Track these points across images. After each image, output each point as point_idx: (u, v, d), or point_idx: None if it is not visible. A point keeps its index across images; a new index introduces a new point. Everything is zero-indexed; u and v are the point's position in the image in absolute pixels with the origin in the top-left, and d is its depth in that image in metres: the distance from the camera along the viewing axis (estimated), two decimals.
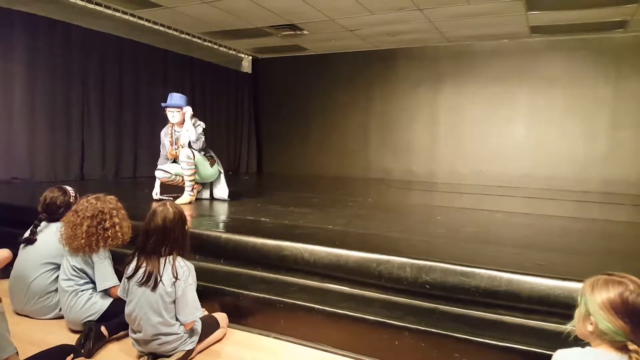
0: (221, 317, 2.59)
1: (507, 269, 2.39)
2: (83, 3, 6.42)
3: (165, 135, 4.82)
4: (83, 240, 2.53)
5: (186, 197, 4.59)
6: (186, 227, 2.39)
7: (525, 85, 8.07)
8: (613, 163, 7.52)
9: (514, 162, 8.10)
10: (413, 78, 8.88)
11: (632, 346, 1.38)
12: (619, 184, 7.39)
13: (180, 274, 2.25)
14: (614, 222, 4.75)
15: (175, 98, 4.71)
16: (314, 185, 7.75)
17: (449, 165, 8.67)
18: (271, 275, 2.91)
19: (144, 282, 2.22)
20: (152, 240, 2.26)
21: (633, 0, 5.78)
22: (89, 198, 2.66)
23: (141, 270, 2.25)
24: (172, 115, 4.65)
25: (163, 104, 4.72)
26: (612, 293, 1.42)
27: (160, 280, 2.21)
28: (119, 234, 2.61)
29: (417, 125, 8.93)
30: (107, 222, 2.58)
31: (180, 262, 2.30)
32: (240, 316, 2.70)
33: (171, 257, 2.28)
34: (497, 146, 8.26)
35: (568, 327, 1.59)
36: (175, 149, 4.72)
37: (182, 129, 4.67)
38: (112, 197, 2.71)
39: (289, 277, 2.86)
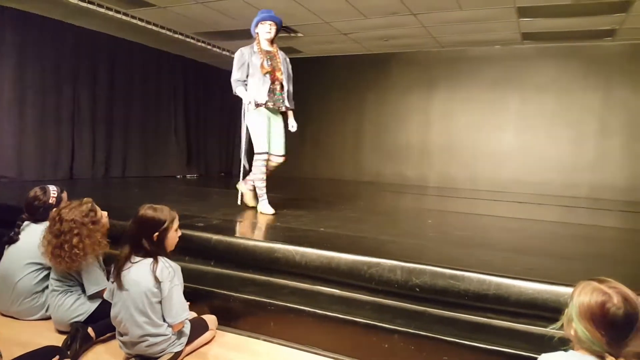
0: (210, 319, 2.57)
1: (496, 273, 2.41)
2: (75, 1, 6.37)
3: (250, 55, 4.09)
4: (53, 261, 2.49)
5: (264, 204, 4.16)
6: (164, 228, 2.31)
7: (516, 91, 8.15)
8: (601, 169, 7.61)
9: (504, 167, 8.16)
10: (406, 82, 8.92)
11: (608, 358, 1.37)
12: (607, 190, 7.48)
13: (164, 275, 2.22)
14: (602, 227, 4.80)
15: (273, 12, 4.18)
16: (306, 188, 7.75)
17: (440, 169, 8.71)
18: (262, 277, 2.90)
19: (124, 284, 2.21)
20: (131, 241, 2.27)
21: (621, 10, 5.86)
22: (58, 210, 2.57)
23: (124, 272, 2.24)
24: (269, 29, 4.10)
25: (261, 16, 4.11)
26: (593, 302, 1.40)
27: (143, 281, 2.20)
28: (85, 250, 2.48)
29: (410, 129, 8.97)
30: (73, 240, 2.45)
31: (165, 262, 2.28)
32: (230, 318, 2.69)
33: (155, 257, 2.26)
34: (488, 151, 8.32)
35: (550, 328, 1.59)
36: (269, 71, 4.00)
37: (271, 48, 4.12)
38: (83, 207, 2.57)
39: (280, 279, 2.86)
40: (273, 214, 4.10)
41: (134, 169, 7.58)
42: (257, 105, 4.05)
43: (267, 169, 4.18)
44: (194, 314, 2.53)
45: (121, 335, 2.29)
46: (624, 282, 1.47)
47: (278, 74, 4.10)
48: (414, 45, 8.31)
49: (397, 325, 2.35)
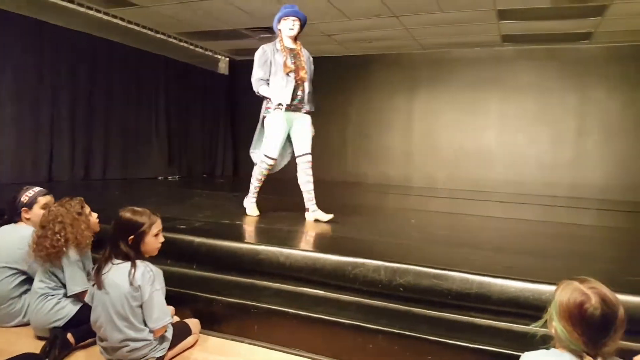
0: (193, 323, 2.54)
1: (479, 272, 2.43)
2: (55, 0, 6.27)
3: (272, 52, 3.91)
4: (37, 253, 2.48)
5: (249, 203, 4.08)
6: (140, 232, 2.27)
7: (496, 92, 8.27)
8: (579, 169, 7.77)
9: (486, 167, 8.27)
10: (389, 84, 8.98)
11: (586, 358, 1.39)
12: (585, 189, 7.64)
13: (145, 279, 2.19)
14: (580, 225, 4.89)
15: (297, 8, 3.95)
16: (291, 189, 7.70)
17: (423, 170, 8.79)
18: (245, 279, 2.87)
19: (104, 286, 2.18)
20: (110, 243, 2.26)
21: (597, 14, 6.00)
22: (49, 205, 2.65)
23: (104, 274, 2.21)
24: (292, 25, 3.87)
25: (284, 11, 3.91)
26: (572, 302, 1.42)
27: (122, 283, 2.16)
28: (67, 237, 2.50)
29: (393, 130, 9.03)
30: (56, 227, 2.49)
31: (146, 266, 2.24)
32: (213, 322, 2.66)
33: (133, 261, 2.23)
34: (470, 151, 8.42)
35: (532, 327, 1.62)
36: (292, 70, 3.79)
37: (294, 45, 3.95)
38: (72, 201, 2.62)
39: (264, 281, 2.84)
40: (257, 216, 4.05)
41: (114, 171, 7.46)
42: (279, 106, 3.83)
43: (301, 174, 3.99)
44: (176, 318, 2.50)
45: (101, 340, 2.25)
46: (602, 280, 1.50)
47: (302, 73, 3.87)
48: (397, 47, 8.37)
49: (382, 326, 2.36)
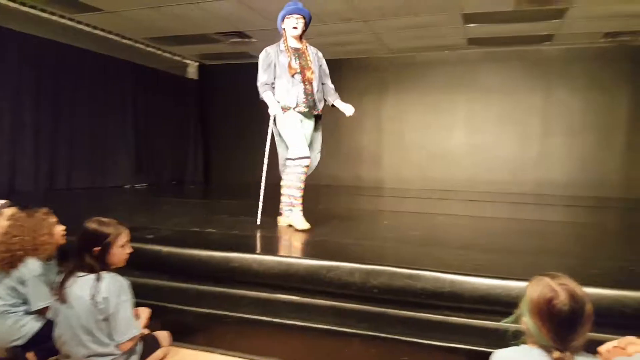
0: (163, 335, 2.46)
1: (450, 271, 2.47)
2: (16, 5, 6.05)
3: (276, 54, 3.68)
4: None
5: (297, 216, 3.67)
6: (106, 243, 2.21)
7: (463, 94, 8.43)
8: (544, 167, 7.99)
9: (455, 167, 8.42)
10: (359, 87, 9.02)
11: (555, 354, 1.41)
12: (550, 186, 7.86)
13: (111, 291, 2.12)
14: (547, 221, 5.03)
15: (301, 5, 3.70)
16: (265, 193, 7.66)
17: (394, 171, 8.87)
18: (218, 288, 2.81)
19: (68, 300, 2.11)
20: (75, 255, 2.20)
21: (558, 17, 6.20)
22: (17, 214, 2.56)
23: (67, 288, 2.13)
24: (296, 24, 3.64)
25: (286, 9, 3.68)
26: (542, 298, 1.45)
27: (87, 297, 2.10)
28: (24, 246, 2.45)
29: (364, 133, 9.09)
30: (13, 233, 2.46)
31: (112, 278, 2.18)
32: (185, 333, 2.61)
33: (98, 273, 2.16)
34: (439, 152, 8.55)
35: (503, 322, 1.65)
36: (298, 70, 3.58)
37: (299, 44, 3.72)
38: (37, 212, 2.58)
39: (237, 289, 2.79)
40: (309, 229, 3.65)
41: (80, 180, 7.24)
42: (286, 109, 3.65)
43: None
44: (145, 331, 2.44)
45: (65, 357, 2.16)
46: (568, 275, 1.53)
47: (308, 74, 3.66)
48: (367, 51, 8.45)
49: (357, 329, 2.37)
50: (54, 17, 6.49)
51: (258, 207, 3.89)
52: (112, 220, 2.29)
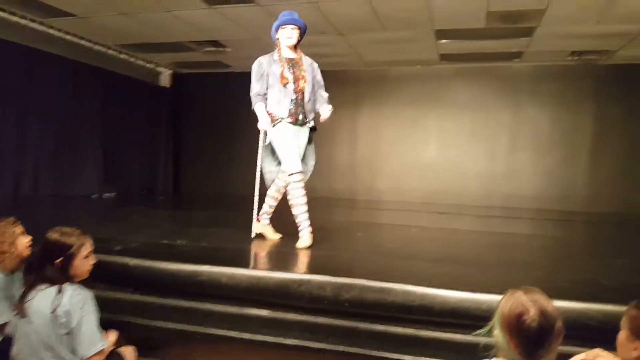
0: (128, 351, 2.37)
1: (421, 284, 2.47)
2: None
3: (269, 64, 3.64)
4: None
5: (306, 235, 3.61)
6: (69, 254, 2.15)
7: (435, 109, 8.57)
8: (513, 181, 8.18)
9: (427, 180, 8.51)
10: (334, 100, 8.93)
11: None
12: (518, 200, 8.04)
13: (74, 303, 2.04)
14: (515, 234, 5.13)
15: (296, 15, 3.67)
16: (237, 205, 7.56)
17: (368, 183, 8.92)
18: (186, 303, 2.74)
19: (28, 315, 2.02)
20: (35, 267, 2.12)
21: (527, 34, 6.40)
22: None
23: (27, 302, 2.04)
24: (291, 34, 3.60)
25: (281, 19, 3.63)
26: (512, 313, 1.45)
27: (47, 310, 2.01)
28: None
29: (338, 145, 9.11)
30: None
31: (74, 290, 2.09)
32: (152, 349, 2.53)
33: (60, 285, 2.08)
34: (412, 165, 8.65)
35: (474, 335, 1.65)
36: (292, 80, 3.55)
37: (293, 54, 3.68)
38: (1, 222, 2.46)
39: (206, 304, 2.72)
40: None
41: (45, 188, 7.01)
42: (277, 119, 3.61)
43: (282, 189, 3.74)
44: (109, 345, 2.35)
45: None
46: (538, 288, 1.53)
47: (301, 83, 3.63)
48: (342, 64, 8.51)
49: (328, 344, 2.34)
50: (23, 21, 6.30)
51: (252, 219, 3.84)
52: (75, 230, 2.21)
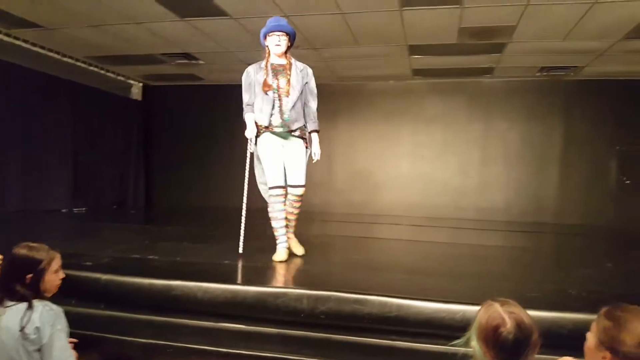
0: None
1: (397, 295, 2.49)
2: None
3: (255, 72, 3.60)
4: None
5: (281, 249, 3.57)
6: (40, 269, 2.10)
7: (408, 123, 8.71)
8: (484, 194, 8.35)
9: (401, 193, 8.62)
10: None
11: None
12: (490, 212, 8.21)
13: (44, 320, 1.98)
14: (487, 246, 5.22)
15: (284, 22, 3.58)
16: (210, 218, 7.50)
17: (343, 196, 8.95)
18: (160, 318, 2.69)
19: None
20: (3, 284, 2.05)
21: (497, 51, 6.60)
22: None
23: None
24: (279, 41, 3.51)
25: (268, 26, 3.54)
26: (489, 325, 1.47)
27: (16, 327, 1.94)
28: None
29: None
30: None
31: (45, 306, 2.03)
32: None
33: (30, 301, 2.02)
34: (386, 178, 8.74)
35: (450, 345, 1.66)
36: (276, 88, 3.48)
37: (282, 61, 3.59)
38: None
39: (180, 319, 2.67)
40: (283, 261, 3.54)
41: (13, 203, 6.79)
42: (261, 129, 3.57)
43: (286, 205, 3.66)
44: None
45: None
46: (510, 298, 1.57)
47: (284, 91, 3.54)
48: (317, 78, 8.57)
49: (304, 356, 2.32)
50: None
51: (240, 234, 3.75)
52: (42, 245, 2.17)
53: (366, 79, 8.56)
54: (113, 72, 8.63)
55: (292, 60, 3.66)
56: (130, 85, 9.42)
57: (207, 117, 9.42)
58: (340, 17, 5.50)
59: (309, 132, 3.77)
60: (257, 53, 6.88)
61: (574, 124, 8.08)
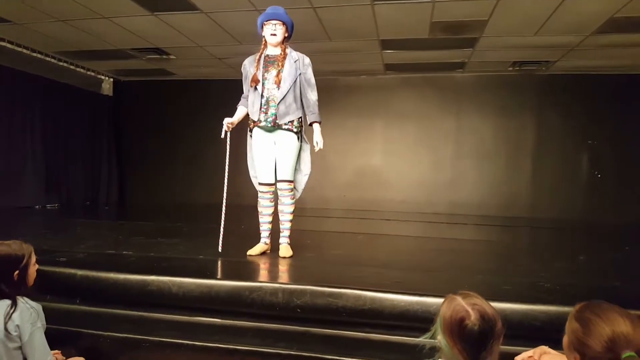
0: None
1: (370, 288, 2.53)
2: None
3: (250, 64, 3.52)
4: None
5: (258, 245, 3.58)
6: (24, 264, 2.13)
7: (381, 118, 8.77)
8: (457, 188, 8.48)
9: (373, 188, 8.67)
10: None
11: None
12: (462, 206, 8.35)
13: (25, 317, 2.00)
14: (460, 240, 5.31)
15: (281, 10, 3.44)
16: (183, 214, 7.44)
17: (317, 191, 8.96)
18: (135, 312, 2.69)
19: None
20: None
21: (469, 45, 6.70)
22: None
23: None
24: (274, 30, 3.37)
25: (264, 15, 3.41)
26: (453, 318, 1.49)
27: (1, 325, 1.95)
28: None
29: None
30: None
31: (25, 303, 2.05)
32: (101, 359, 2.46)
33: (14, 298, 2.02)
34: (358, 173, 8.79)
35: (422, 339, 1.71)
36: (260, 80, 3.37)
37: (277, 51, 3.46)
38: None
39: (155, 313, 2.68)
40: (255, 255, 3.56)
41: None
42: (252, 123, 3.55)
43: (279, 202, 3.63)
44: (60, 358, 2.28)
45: None
46: (482, 291, 1.62)
47: (271, 84, 3.41)
48: None
49: (280, 349, 2.35)
50: None
51: (220, 231, 3.63)
52: (15, 240, 2.18)
53: (338, 74, 8.59)
54: (83, 68, 8.44)
55: (288, 50, 3.51)
56: (101, 81, 9.23)
57: (178, 112, 9.30)
58: (311, 11, 5.49)
59: (310, 124, 3.69)
60: (228, 47, 6.87)
61: (546, 119, 8.22)
